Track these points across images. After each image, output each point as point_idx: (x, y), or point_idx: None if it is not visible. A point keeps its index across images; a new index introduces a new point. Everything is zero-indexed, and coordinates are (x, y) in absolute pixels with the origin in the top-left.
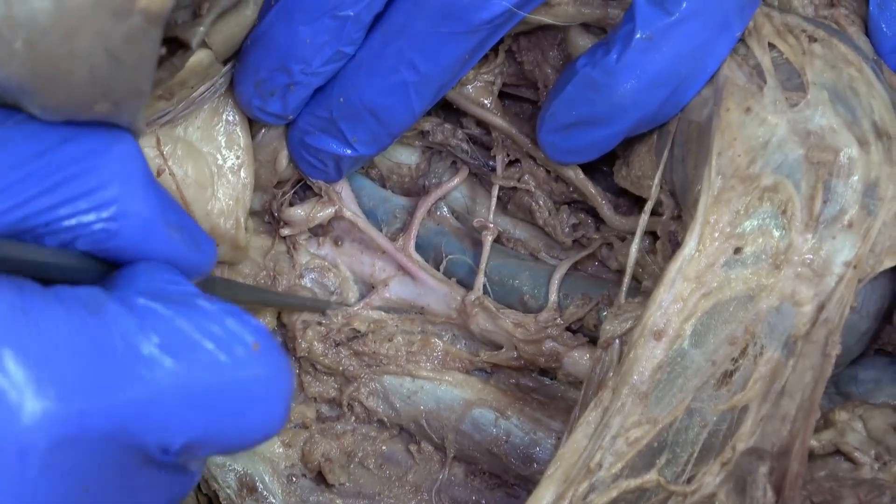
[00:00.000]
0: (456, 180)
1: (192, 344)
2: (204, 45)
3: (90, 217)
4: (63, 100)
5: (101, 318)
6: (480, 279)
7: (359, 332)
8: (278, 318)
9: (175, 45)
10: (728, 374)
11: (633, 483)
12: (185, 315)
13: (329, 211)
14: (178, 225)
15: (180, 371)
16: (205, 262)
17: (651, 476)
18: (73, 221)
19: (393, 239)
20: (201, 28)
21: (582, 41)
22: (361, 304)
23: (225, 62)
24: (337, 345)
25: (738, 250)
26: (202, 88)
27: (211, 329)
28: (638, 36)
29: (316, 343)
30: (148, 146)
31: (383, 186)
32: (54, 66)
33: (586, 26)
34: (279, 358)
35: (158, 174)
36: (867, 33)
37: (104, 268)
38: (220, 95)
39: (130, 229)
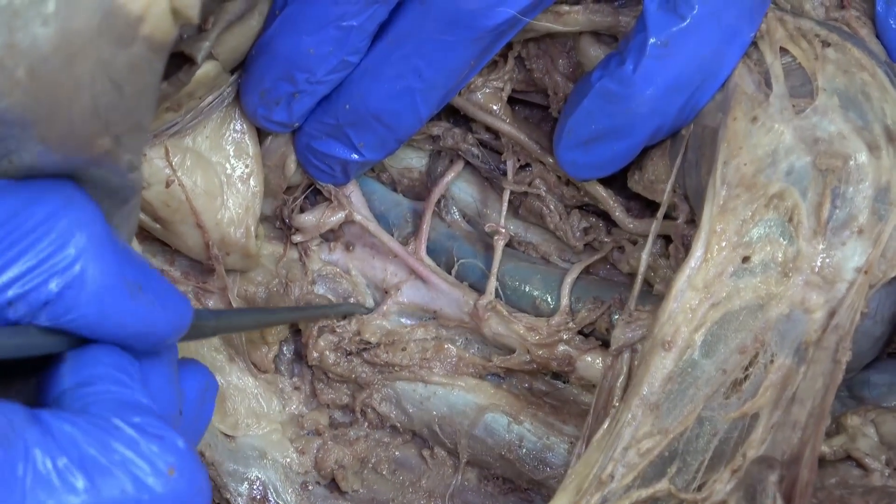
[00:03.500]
0: (451, 174)
1: (100, 470)
2: (210, 56)
3: (47, 289)
4: (65, 132)
5: (8, 447)
6: (492, 283)
7: (370, 343)
8: (292, 324)
9: (181, 59)
10: (738, 383)
11: (644, 493)
12: (96, 438)
13: (339, 216)
14: (142, 285)
15: (86, 499)
16: (174, 323)
17: (662, 485)
18: (30, 298)
19: (404, 243)
20: (206, 43)
21: (594, 51)
22: (378, 312)
23: (232, 72)
24: (349, 354)
25: (745, 259)
26: (210, 98)
27: (121, 455)
28: (652, 42)
29: (328, 353)
30: (157, 157)
31: (394, 190)
32: (56, 93)
33: (597, 35)
34: (194, 480)
35: (168, 185)
36: (877, 35)
37: (68, 341)
38: (227, 105)
39: (88, 302)
